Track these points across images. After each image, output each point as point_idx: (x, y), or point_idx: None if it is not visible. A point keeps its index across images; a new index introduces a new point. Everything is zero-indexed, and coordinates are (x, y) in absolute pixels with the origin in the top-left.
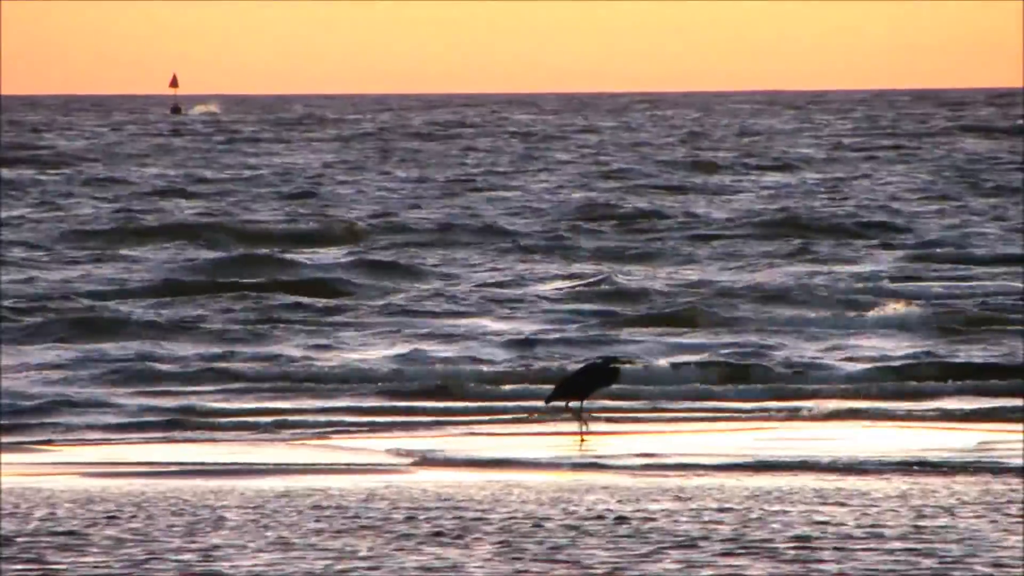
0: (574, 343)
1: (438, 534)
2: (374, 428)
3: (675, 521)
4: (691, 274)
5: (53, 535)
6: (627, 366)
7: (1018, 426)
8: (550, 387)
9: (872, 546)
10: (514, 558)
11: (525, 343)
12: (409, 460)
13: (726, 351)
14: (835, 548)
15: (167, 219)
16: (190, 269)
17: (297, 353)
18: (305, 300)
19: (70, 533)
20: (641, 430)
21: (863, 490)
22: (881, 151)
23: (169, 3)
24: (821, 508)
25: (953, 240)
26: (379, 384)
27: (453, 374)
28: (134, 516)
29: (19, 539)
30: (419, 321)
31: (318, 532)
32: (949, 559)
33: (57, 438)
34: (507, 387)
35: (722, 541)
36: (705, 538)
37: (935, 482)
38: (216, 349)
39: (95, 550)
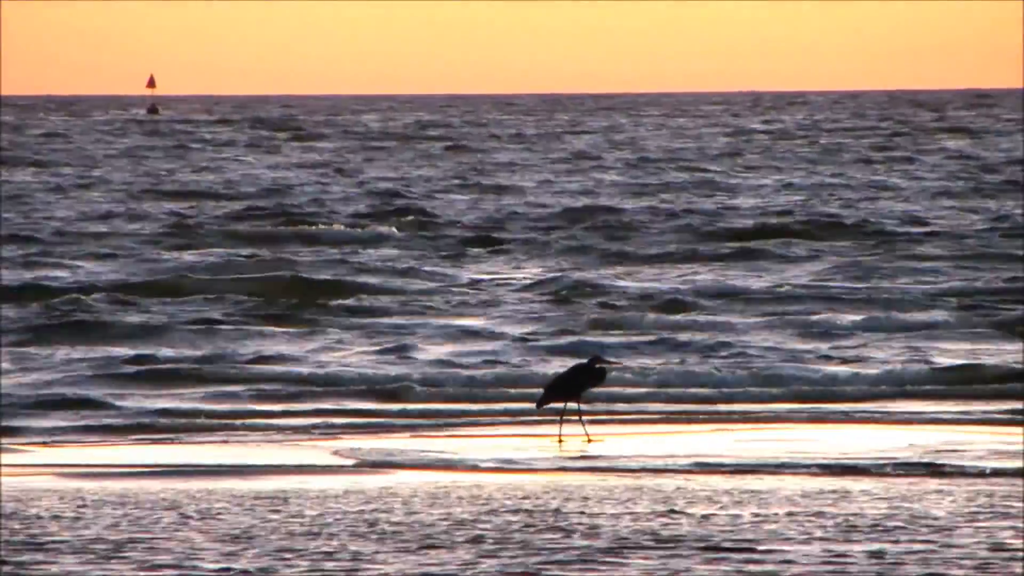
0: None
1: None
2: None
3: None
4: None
5: None
6: (613, 366)
7: None
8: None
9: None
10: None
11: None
12: (352, 461)
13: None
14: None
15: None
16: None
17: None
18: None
19: None
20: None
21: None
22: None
23: (147, 3)
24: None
25: None
26: (335, 387)
27: (404, 377)
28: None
29: None
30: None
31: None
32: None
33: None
34: (451, 390)
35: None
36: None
37: None
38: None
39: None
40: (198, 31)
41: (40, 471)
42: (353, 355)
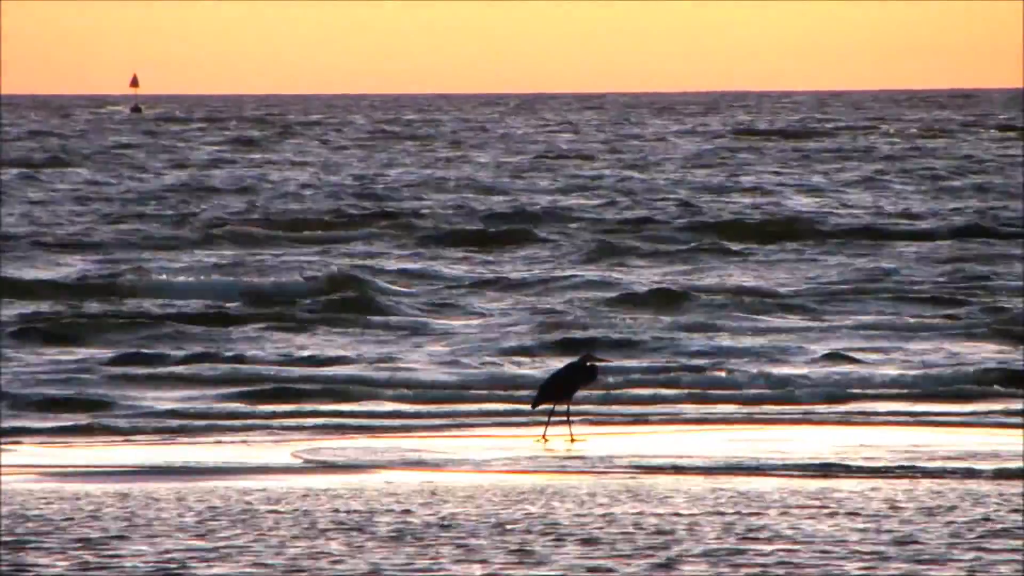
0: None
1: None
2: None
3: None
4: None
5: None
6: (602, 364)
7: None
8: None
9: None
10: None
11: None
12: (299, 462)
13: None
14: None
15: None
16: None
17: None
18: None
19: None
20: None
21: None
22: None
23: (130, 3)
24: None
25: None
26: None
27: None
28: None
29: None
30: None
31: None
32: None
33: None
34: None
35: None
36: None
37: None
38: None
39: None
40: (181, 30)
41: None
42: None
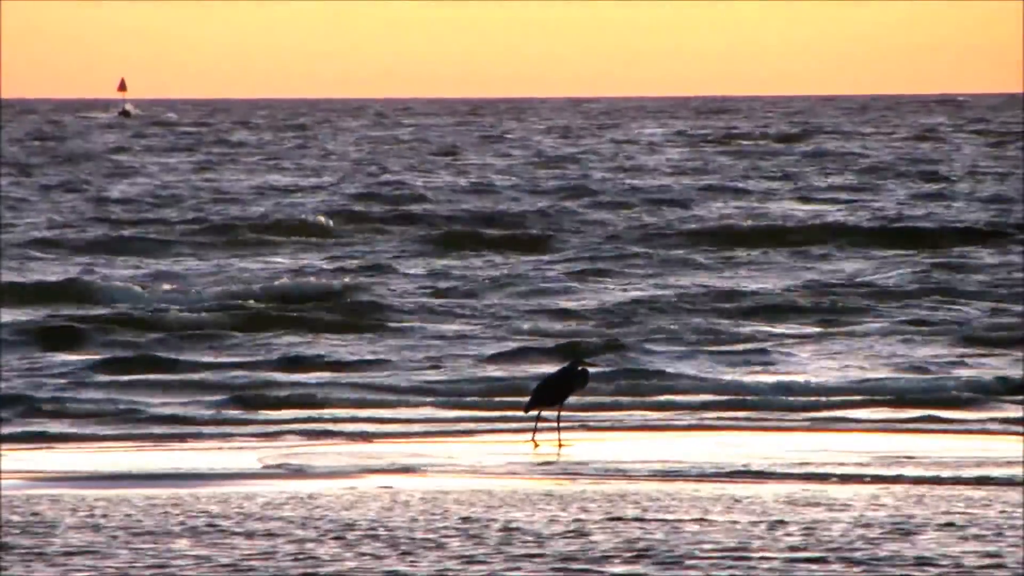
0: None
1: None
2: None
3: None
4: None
5: None
6: (592, 368)
7: None
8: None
9: None
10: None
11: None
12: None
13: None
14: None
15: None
16: None
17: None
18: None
19: None
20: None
21: None
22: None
23: (118, 6)
24: None
25: None
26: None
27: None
28: None
29: None
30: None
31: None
32: None
33: None
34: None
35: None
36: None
37: None
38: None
39: None
40: (170, 34)
41: None
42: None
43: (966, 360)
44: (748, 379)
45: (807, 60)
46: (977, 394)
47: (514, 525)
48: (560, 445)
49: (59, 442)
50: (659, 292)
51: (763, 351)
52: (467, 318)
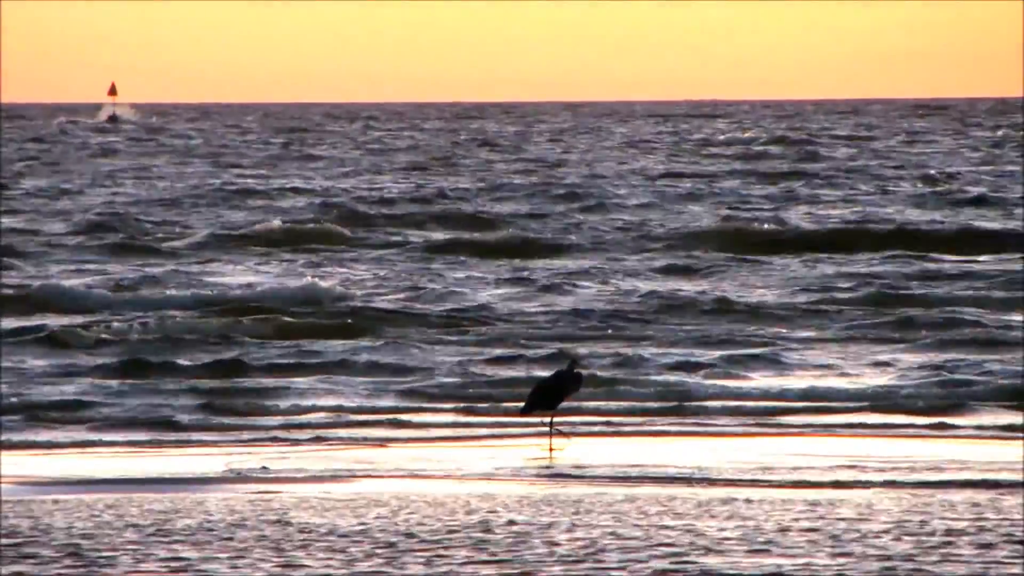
0: None
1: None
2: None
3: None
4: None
5: None
6: (584, 371)
7: None
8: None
9: None
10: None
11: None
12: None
13: None
14: None
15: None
16: None
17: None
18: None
19: None
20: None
21: None
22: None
23: (108, 9)
24: None
25: None
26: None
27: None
28: None
29: None
30: None
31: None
32: None
33: None
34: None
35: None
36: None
37: None
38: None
39: None
40: (160, 37)
41: None
42: None
43: (966, 363)
44: (748, 384)
45: (799, 64)
46: (978, 401)
47: (517, 528)
48: (552, 449)
49: (20, 448)
50: (659, 291)
51: (762, 355)
52: (459, 323)
